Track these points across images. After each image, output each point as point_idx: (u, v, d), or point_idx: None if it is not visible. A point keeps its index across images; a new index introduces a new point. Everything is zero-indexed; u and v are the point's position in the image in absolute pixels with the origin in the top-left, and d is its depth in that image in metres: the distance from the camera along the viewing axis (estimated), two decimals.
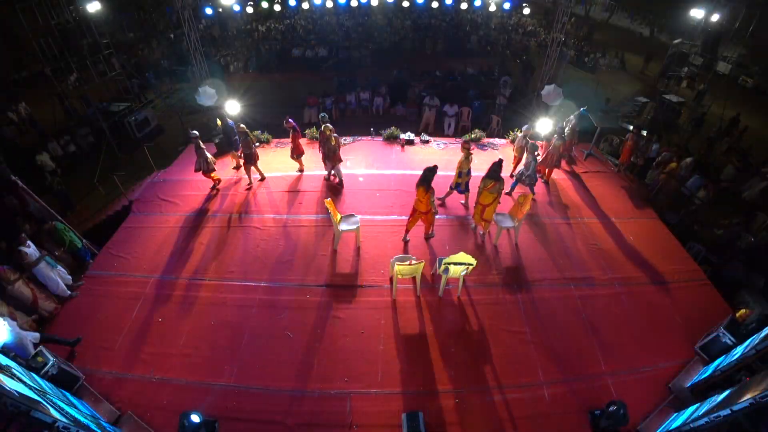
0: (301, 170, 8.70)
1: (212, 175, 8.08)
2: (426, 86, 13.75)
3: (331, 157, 7.93)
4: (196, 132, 7.74)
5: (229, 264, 6.49)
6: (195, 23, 10.55)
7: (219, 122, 8.65)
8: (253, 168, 8.12)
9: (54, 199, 8.73)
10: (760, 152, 10.66)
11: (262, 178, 8.47)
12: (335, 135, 7.76)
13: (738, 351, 4.38)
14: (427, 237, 6.93)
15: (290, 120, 7.99)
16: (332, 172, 8.34)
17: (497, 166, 6.20)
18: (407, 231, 6.71)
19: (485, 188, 6.24)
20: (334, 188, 8.28)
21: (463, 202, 7.72)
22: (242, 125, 7.69)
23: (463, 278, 5.77)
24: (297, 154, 8.31)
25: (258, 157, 8.12)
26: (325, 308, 5.75)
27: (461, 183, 7.31)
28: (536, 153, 7.35)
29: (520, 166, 7.79)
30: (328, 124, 7.69)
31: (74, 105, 13.69)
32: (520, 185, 7.74)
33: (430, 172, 5.99)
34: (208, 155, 7.86)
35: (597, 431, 4.43)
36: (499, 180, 6.20)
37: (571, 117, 8.87)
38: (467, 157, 7.00)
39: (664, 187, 8.43)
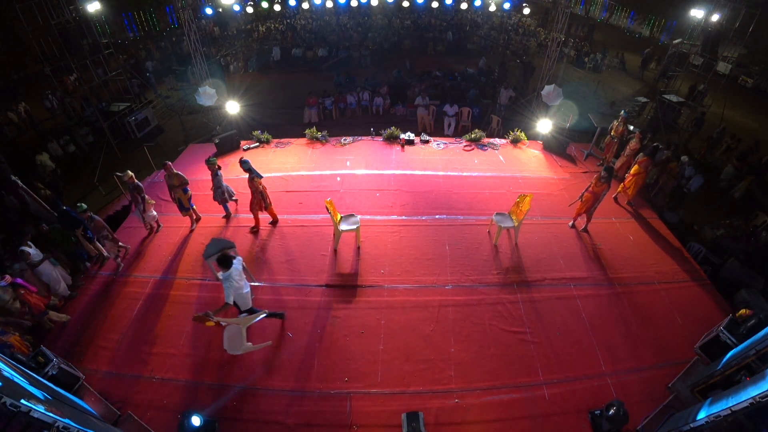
0: None
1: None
2: (426, 86, 13.76)
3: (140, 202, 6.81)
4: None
5: None
6: (195, 23, 10.53)
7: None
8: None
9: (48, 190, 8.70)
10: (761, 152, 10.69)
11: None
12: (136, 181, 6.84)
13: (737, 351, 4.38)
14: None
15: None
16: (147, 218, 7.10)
17: (654, 148, 7.61)
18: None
19: (637, 162, 7.58)
20: (333, 188, 8.28)
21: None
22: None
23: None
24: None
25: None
26: (325, 308, 5.75)
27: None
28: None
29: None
30: (128, 171, 6.76)
31: (73, 105, 13.75)
32: None
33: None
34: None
35: (597, 431, 4.43)
36: (652, 157, 7.49)
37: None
38: None
39: (664, 187, 8.43)
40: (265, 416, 4.56)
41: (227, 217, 7.56)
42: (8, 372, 3.27)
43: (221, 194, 7.13)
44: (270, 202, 6.98)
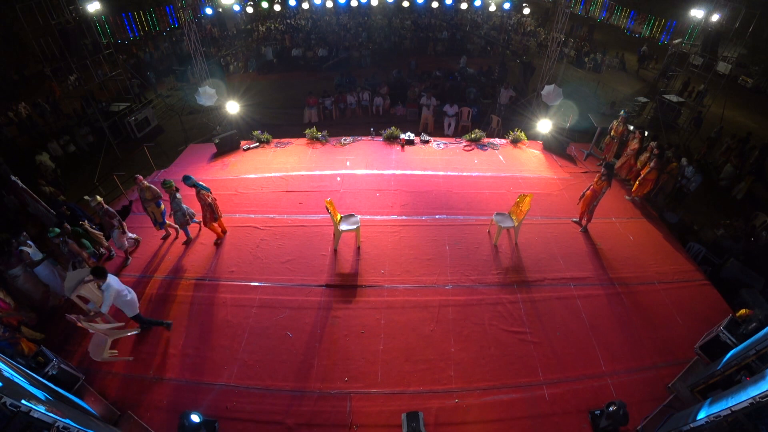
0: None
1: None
2: (426, 86, 13.77)
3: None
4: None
5: (229, 264, 6.49)
6: (195, 23, 10.53)
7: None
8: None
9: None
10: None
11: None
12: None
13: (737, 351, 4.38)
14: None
15: None
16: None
17: (663, 150, 7.78)
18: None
19: (647, 165, 7.79)
20: (333, 188, 8.28)
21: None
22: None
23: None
24: None
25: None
26: (325, 308, 5.75)
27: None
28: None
29: None
30: (97, 196, 6.30)
31: (73, 106, 13.73)
32: None
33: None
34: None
35: (597, 431, 4.43)
36: (661, 156, 7.65)
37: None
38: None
39: (665, 187, 8.42)
40: (265, 416, 4.56)
41: (187, 242, 6.93)
42: (8, 372, 3.28)
43: (182, 217, 6.55)
44: (220, 215, 6.69)
